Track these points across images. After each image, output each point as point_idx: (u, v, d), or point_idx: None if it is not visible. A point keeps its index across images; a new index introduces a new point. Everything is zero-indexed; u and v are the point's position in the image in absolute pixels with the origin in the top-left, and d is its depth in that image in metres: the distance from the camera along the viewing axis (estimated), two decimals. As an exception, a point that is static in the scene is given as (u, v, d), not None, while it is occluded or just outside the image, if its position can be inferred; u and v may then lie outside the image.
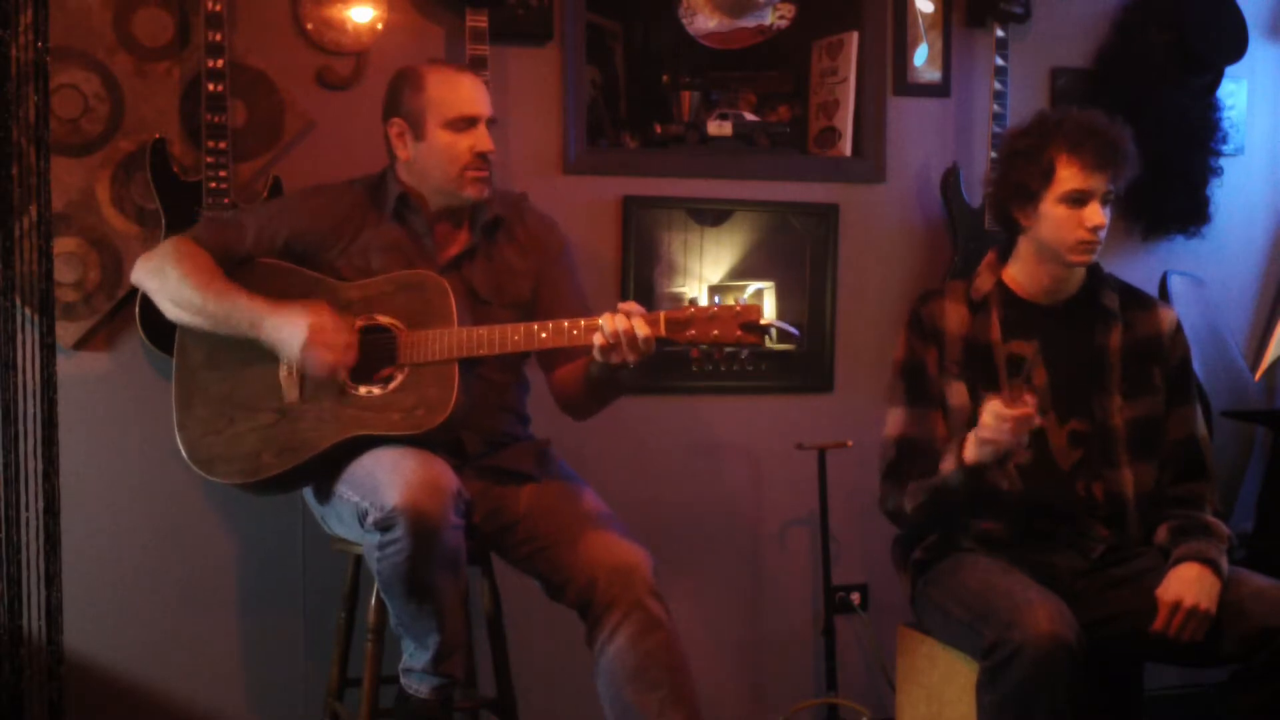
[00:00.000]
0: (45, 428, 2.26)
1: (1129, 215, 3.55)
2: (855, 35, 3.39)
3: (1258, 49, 3.66)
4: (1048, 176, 2.52)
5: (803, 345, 3.39)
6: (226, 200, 2.84)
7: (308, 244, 2.64)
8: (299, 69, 3.02)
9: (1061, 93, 3.51)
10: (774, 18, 3.44)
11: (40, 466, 2.26)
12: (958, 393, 2.60)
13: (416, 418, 2.46)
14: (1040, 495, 2.56)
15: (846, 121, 3.39)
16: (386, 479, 2.35)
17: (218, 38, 2.82)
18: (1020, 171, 2.56)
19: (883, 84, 3.40)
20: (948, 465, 2.48)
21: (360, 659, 2.60)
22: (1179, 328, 2.67)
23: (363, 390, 2.51)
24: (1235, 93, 3.69)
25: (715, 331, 2.38)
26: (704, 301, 3.27)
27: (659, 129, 3.34)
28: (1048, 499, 2.56)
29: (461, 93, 2.60)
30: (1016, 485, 2.55)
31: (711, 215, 3.33)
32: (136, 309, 2.84)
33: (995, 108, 3.33)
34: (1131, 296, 2.69)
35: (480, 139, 2.59)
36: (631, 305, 2.39)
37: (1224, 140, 3.60)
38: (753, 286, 3.32)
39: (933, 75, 3.46)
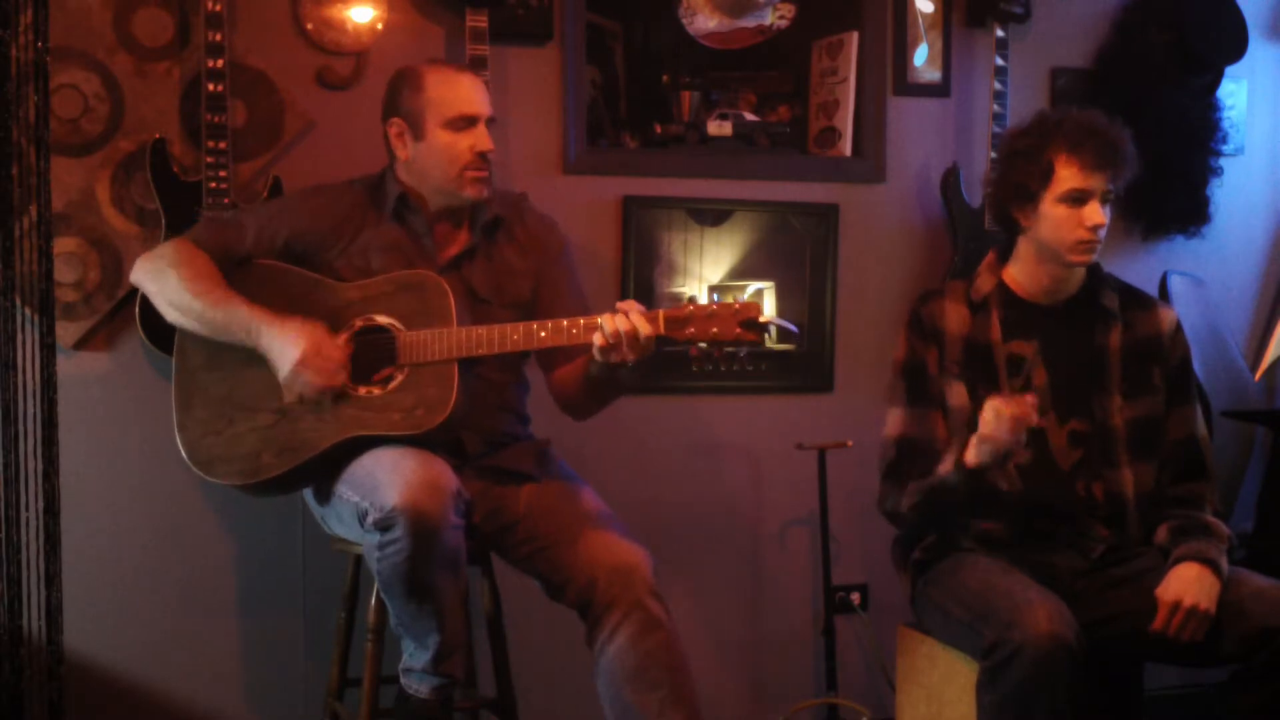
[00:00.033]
0: (45, 428, 2.26)
1: (1129, 215, 3.55)
2: (855, 35, 3.39)
3: (1258, 49, 3.66)
4: (1047, 176, 2.52)
5: (803, 345, 3.39)
6: (226, 200, 2.84)
7: (308, 244, 2.64)
8: (299, 69, 3.02)
9: (1061, 93, 3.51)
10: (774, 18, 3.44)
11: (40, 466, 2.26)
12: (958, 393, 2.60)
13: (416, 418, 2.46)
14: (1040, 495, 2.56)
15: (846, 121, 3.39)
16: (386, 479, 2.35)
17: (218, 38, 2.82)
18: (1020, 171, 2.56)
19: (883, 84, 3.40)
20: (947, 466, 2.48)
21: (360, 659, 2.60)
22: (1179, 328, 2.67)
23: (362, 390, 2.51)
24: (1235, 93, 3.69)
25: (714, 329, 2.37)
26: (704, 301, 3.27)
27: (659, 129, 3.34)
28: (1048, 499, 2.56)
29: (461, 92, 2.60)
30: (1016, 485, 2.55)
31: (711, 215, 3.33)
32: (136, 309, 2.84)
33: (995, 108, 3.33)
34: (1131, 296, 2.69)
35: (480, 138, 2.59)
36: (630, 303, 2.39)
37: (1224, 140, 3.60)
38: (753, 286, 3.32)
39: (933, 75, 3.46)
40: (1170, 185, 3.49)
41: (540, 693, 3.12)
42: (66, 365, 2.79)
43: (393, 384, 2.50)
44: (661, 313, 2.39)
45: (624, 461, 3.25)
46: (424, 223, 2.65)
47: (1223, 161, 3.62)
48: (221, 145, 2.84)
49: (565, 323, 2.44)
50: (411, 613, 2.39)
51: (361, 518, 2.38)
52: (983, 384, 2.58)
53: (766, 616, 3.40)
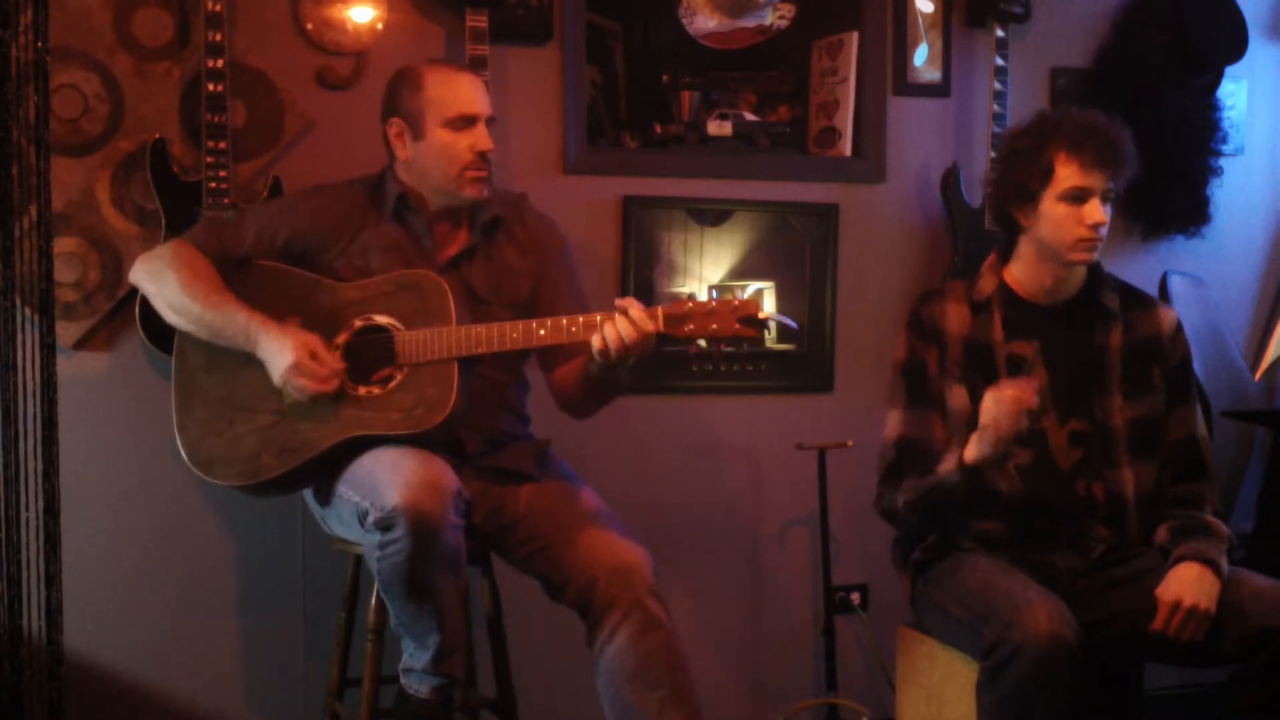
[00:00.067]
0: (45, 428, 2.26)
1: (1129, 215, 3.55)
2: (855, 35, 3.39)
3: (1258, 49, 3.66)
4: (1047, 175, 2.52)
5: (803, 345, 3.39)
6: (226, 200, 2.84)
7: (307, 244, 2.64)
8: (299, 69, 3.02)
9: (1061, 93, 3.51)
10: (774, 18, 3.44)
11: (40, 466, 2.26)
12: (958, 396, 2.59)
13: (416, 417, 2.46)
14: (1040, 495, 2.56)
15: (846, 121, 3.39)
16: (386, 479, 2.35)
17: (218, 38, 2.82)
18: (1020, 171, 2.56)
19: (883, 84, 3.40)
20: (947, 465, 2.48)
21: (360, 659, 2.60)
22: (1179, 328, 2.67)
23: (362, 390, 2.51)
24: (1235, 93, 3.69)
25: (713, 326, 2.37)
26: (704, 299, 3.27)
27: (659, 129, 3.34)
28: (1048, 499, 2.56)
29: (460, 92, 2.60)
30: (1016, 486, 2.55)
31: (711, 215, 3.33)
32: (136, 309, 2.84)
33: (995, 108, 3.33)
34: (1132, 296, 2.69)
35: (480, 138, 2.59)
36: (630, 300, 2.39)
37: (1224, 140, 3.60)
38: (753, 286, 3.32)
39: (933, 75, 3.46)
40: (1170, 185, 3.49)
41: (540, 693, 3.12)
42: (66, 365, 2.78)
43: (392, 384, 2.50)
44: (661, 309, 2.39)
45: (624, 461, 3.25)
46: (423, 223, 2.65)
47: (1223, 161, 3.62)
48: (221, 145, 2.84)
49: (564, 320, 2.44)
50: (411, 613, 2.39)
51: (362, 518, 2.38)
52: (983, 385, 2.56)
53: (766, 616, 3.40)
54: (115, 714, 2.98)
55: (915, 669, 2.75)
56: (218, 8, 2.82)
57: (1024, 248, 2.63)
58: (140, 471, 2.96)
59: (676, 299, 3.22)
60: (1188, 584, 2.40)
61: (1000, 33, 3.34)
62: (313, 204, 2.68)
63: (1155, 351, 2.63)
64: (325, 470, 2.53)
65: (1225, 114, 3.61)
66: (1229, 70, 3.60)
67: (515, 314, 2.63)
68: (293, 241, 2.64)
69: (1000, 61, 3.33)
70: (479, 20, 2.96)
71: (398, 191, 2.65)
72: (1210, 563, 2.43)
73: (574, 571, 2.51)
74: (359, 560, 2.69)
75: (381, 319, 2.54)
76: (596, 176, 3.23)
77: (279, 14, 3.01)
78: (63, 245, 2.82)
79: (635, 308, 2.37)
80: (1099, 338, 2.62)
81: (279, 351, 2.47)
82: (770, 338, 3.35)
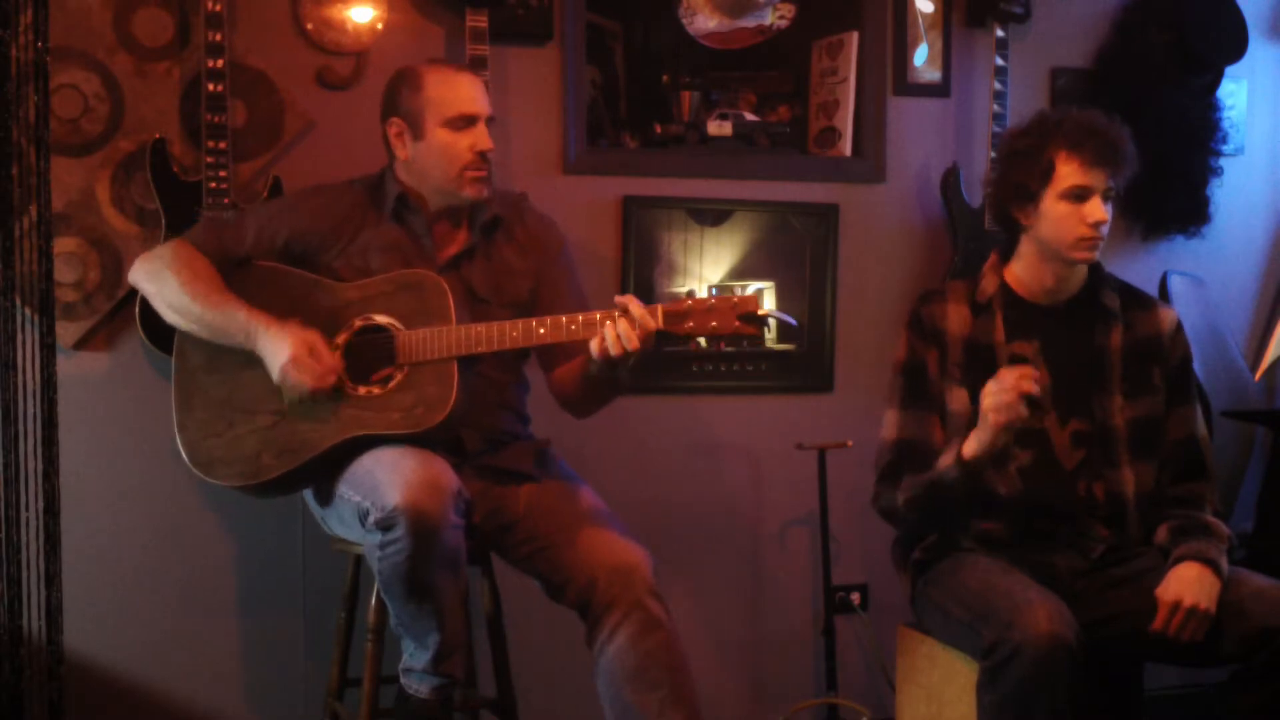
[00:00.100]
0: (45, 428, 2.26)
1: (1129, 215, 3.55)
2: (855, 35, 3.39)
3: (1258, 49, 3.66)
4: (1048, 174, 2.52)
5: (803, 345, 3.39)
6: (226, 200, 2.84)
7: (307, 244, 2.64)
8: (299, 69, 3.02)
9: (1061, 93, 3.51)
10: (774, 18, 3.44)
11: (40, 466, 2.26)
12: (958, 398, 2.59)
13: (416, 416, 2.46)
14: (1040, 495, 2.56)
15: (846, 121, 3.39)
16: (387, 479, 2.35)
17: (218, 38, 2.82)
18: (1020, 171, 2.56)
19: (883, 84, 3.40)
20: (946, 460, 2.47)
21: (360, 659, 2.60)
22: (1179, 328, 2.67)
23: (362, 390, 2.51)
24: (1235, 93, 3.69)
25: (713, 323, 2.37)
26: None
27: (659, 129, 3.34)
28: (1048, 499, 2.56)
29: (460, 91, 2.60)
30: (1016, 487, 2.55)
31: (711, 215, 3.33)
32: (136, 309, 2.84)
33: (995, 108, 3.33)
34: (1132, 296, 2.68)
35: (479, 138, 2.59)
36: (629, 298, 2.39)
37: (1224, 140, 3.60)
38: (753, 286, 3.32)
39: (933, 75, 3.46)
40: (1170, 185, 3.49)
41: (540, 693, 3.12)
42: (66, 365, 2.79)
43: (392, 383, 2.50)
44: (660, 307, 2.39)
45: (624, 461, 3.25)
46: (423, 223, 2.65)
47: (1223, 161, 3.62)
48: (221, 145, 2.84)
49: (564, 319, 2.44)
50: (411, 612, 2.39)
51: (363, 517, 2.38)
52: (984, 386, 2.57)
53: (766, 616, 3.40)
54: (115, 714, 2.98)
55: (915, 669, 2.75)
56: (218, 8, 2.82)
57: (1025, 247, 2.63)
58: (140, 471, 2.97)
59: (676, 298, 3.24)
60: (1188, 584, 2.40)
61: (1000, 33, 3.34)
62: (312, 204, 2.68)
63: (1155, 351, 2.63)
64: (325, 470, 2.53)
65: (1225, 114, 3.61)
66: (1229, 70, 3.60)
67: (515, 314, 2.62)
68: (292, 242, 2.64)
69: (1000, 61, 3.33)
70: (479, 20, 2.96)
71: (397, 191, 2.65)
72: (1210, 563, 2.42)
73: (574, 571, 2.51)
74: (359, 560, 2.69)
75: (381, 319, 2.54)
76: (596, 176, 3.23)
77: (279, 14, 3.01)
78: (63, 245, 2.82)
79: (635, 305, 2.37)
80: (1099, 338, 2.62)
81: (278, 347, 2.47)
82: (770, 337, 3.35)
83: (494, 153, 2.62)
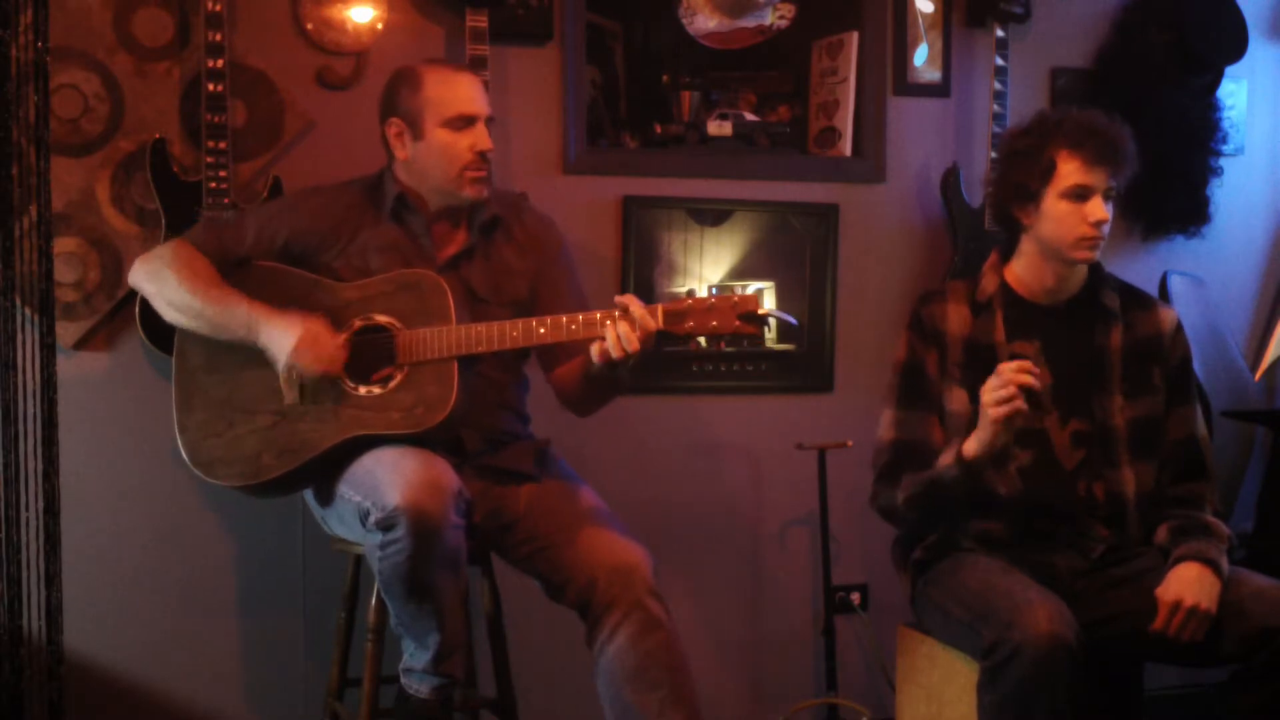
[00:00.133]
0: (45, 428, 2.27)
1: (1129, 215, 3.55)
2: (855, 35, 3.39)
3: (1258, 49, 3.66)
4: (1049, 174, 2.52)
5: (803, 345, 3.39)
6: (226, 200, 2.84)
7: (307, 244, 2.64)
8: (299, 69, 3.02)
9: (1061, 93, 3.51)
10: (774, 18, 3.44)
11: (40, 466, 2.26)
12: (958, 399, 2.59)
13: (416, 416, 2.46)
14: (1041, 495, 2.56)
15: (846, 121, 3.39)
16: (387, 479, 2.35)
17: (218, 38, 2.82)
18: (1020, 171, 2.56)
19: (883, 84, 3.40)
20: (946, 459, 2.47)
21: (360, 659, 2.60)
22: (1179, 328, 2.67)
23: (362, 390, 2.51)
24: (1235, 93, 3.69)
25: (713, 322, 2.37)
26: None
27: (659, 129, 3.34)
28: (1048, 499, 2.56)
29: (459, 91, 2.60)
30: (1016, 487, 2.55)
31: (711, 215, 3.33)
32: (136, 309, 2.84)
33: (995, 108, 3.33)
34: (1132, 296, 2.68)
35: (479, 138, 2.59)
36: (629, 297, 2.39)
37: (1224, 140, 3.60)
38: (753, 286, 3.32)
39: (933, 75, 3.46)
40: (1170, 185, 3.49)
41: (540, 693, 3.12)
42: (66, 365, 2.79)
43: (392, 383, 2.50)
44: (661, 307, 2.39)
45: (624, 461, 3.25)
46: (422, 223, 2.65)
47: (1223, 161, 3.62)
48: (221, 145, 2.84)
49: (564, 319, 2.44)
50: (412, 612, 2.39)
51: (363, 518, 2.38)
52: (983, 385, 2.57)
53: (766, 616, 3.40)
54: (115, 714, 2.98)
55: (915, 669, 2.75)
56: (218, 8, 2.82)
57: (1025, 247, 2.63)
58: (140, 471, 2.97)
59: (676, 298, 3.25)
60: (1188, 584, 2.40)
61: (1000, 33, 3.34)
62: (312, 204, 2.68)
63: (1155, 351, 2.63)
64: (326, 470, 2.53)
65: (1225, 114, 3.61)
66: (1229, 70, 3.60)
67: (514, 314, 2.62)
68: (292, 242, 2.64)
69: (1000, 61, 3.33)
70: (479, 20, 2.96)
71: (396, 191, 2.65)
72: (1210, 563, 2.42)
73: (574, 571, 2.51)
74: (359, 560, 2.69)
75: (381, 318, 2.54)
76: (596, 176, 3.23)
77: (279, 14, 3.01)
78: (63, 245, 2.82)
79: (635, 305, 2.37)
80: (1099, 338, 2.62)
81: (283, 335, 2.47)
82: (770, 336, 3.35)
83: (493, 153, 2.62)
